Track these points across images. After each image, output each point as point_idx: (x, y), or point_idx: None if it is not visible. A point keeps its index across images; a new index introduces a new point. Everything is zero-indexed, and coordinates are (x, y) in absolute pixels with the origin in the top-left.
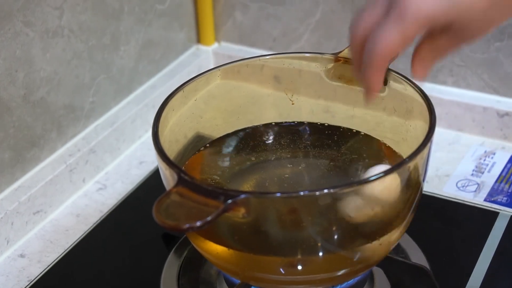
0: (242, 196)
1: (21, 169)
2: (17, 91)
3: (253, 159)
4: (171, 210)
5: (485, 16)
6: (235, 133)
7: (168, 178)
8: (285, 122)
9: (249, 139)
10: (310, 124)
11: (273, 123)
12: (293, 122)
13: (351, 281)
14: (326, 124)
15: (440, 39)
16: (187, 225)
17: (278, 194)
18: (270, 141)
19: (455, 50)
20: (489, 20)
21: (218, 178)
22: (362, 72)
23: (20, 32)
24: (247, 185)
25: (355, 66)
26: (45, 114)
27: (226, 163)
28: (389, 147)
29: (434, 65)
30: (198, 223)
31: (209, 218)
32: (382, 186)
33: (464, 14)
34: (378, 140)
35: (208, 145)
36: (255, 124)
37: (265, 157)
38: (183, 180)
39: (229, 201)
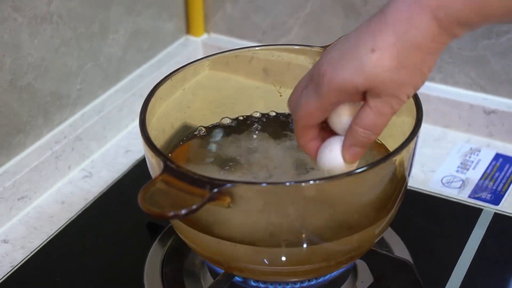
0: (228, 185)
1: (6, 154)
2: (3, 76)
3: (240, 149)
4: (156, 198)
5: (394, 78)
6: (221, 122)
7: (154, 166)
8: (272, 114)
9: (236, 128)
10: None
11: (259, 114)
12: (280, 113)
13: (335, 273)
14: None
15: (365, 112)
16: (172, 213)
17: (264, 184)
18: (257, 131)
19: (385, 121)
20: (400, 82)
21: (204, 167)
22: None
23: (8, 17)
24: (233, 175)
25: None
26: (31, 100)
27: (213, 152)
28: (376, 141)
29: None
30: (183, 211)
31: (194, 207)
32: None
33: (372, 78)
34: None
35: (195, 134)
36: (242, 115)
37: (252, 147)
38: (169, 168)
39: (215, 190)
